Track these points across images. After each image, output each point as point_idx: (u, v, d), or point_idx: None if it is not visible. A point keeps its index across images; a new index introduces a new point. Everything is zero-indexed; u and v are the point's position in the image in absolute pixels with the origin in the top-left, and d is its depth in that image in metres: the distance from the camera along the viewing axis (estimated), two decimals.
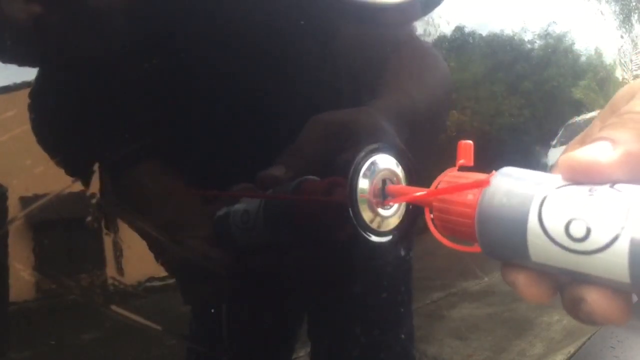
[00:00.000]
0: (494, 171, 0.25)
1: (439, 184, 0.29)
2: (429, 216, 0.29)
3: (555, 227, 0.22)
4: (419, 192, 0.30)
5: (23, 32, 0.31)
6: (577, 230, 0.21)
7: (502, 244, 0.24)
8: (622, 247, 0.20)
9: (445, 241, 0.28)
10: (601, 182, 0.22)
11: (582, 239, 0.21)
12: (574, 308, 0.23)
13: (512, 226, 0.23)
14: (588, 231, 0.21)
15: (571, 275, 0.22)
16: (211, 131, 0.37)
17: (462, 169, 0.29)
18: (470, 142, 0.29)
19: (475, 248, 0.26)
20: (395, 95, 0.46)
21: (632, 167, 0.22)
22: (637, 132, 0.23)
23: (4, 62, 0.30)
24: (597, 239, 0.21)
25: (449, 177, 0.28)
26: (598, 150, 0.22)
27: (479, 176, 0.26)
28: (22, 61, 0.30)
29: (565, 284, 0.24)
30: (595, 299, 0.22)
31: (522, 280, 0.24)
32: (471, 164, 0.29)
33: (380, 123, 0.43)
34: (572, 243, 0.21)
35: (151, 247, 0.34)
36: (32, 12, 0.31)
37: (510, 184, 0.24)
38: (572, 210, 0.22)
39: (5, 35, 0.30)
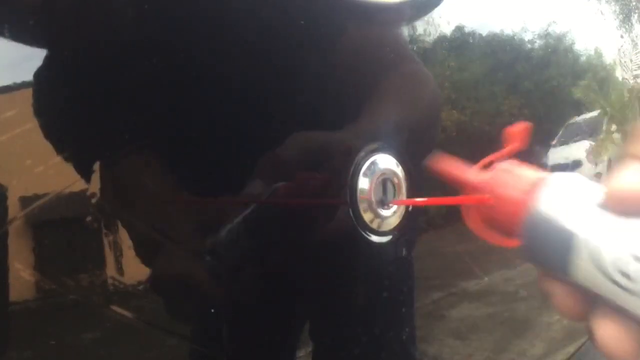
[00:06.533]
0: (548, 171, 0.24)
1: (489, 165, 0.27)
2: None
3: (607, 258, 0.20)
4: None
5: (30, 27, 0.31)
6: (632, 269, 0.19)
7: (545, 253, 0.22)
8: None
9: (484, 234, 0.26)
10: None
11: (636, 280, 0.19)
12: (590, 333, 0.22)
13: (561, 240, 0.21)
14: None
15: (609, 302, 0.21)
16: (203, 131, 0.37)
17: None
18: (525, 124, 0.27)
19: (511, 242, 0.24)
20: (381, 115, 0.45)
21: None
22: None
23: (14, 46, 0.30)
24: None
25: (506, 165, 0.26)
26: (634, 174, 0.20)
27: (534, 175, 0.24)
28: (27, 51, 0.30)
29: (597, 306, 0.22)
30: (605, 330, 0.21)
31: (558, 292, 0.23)
32: (525, 147, 0.27)
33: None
34: (622, 278, 0.19)
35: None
36: (39, 8, 0.31)
37: (567, 197, 0.22)
38: (629, 248, 0.20)
39: (7, 33, 0.30)
